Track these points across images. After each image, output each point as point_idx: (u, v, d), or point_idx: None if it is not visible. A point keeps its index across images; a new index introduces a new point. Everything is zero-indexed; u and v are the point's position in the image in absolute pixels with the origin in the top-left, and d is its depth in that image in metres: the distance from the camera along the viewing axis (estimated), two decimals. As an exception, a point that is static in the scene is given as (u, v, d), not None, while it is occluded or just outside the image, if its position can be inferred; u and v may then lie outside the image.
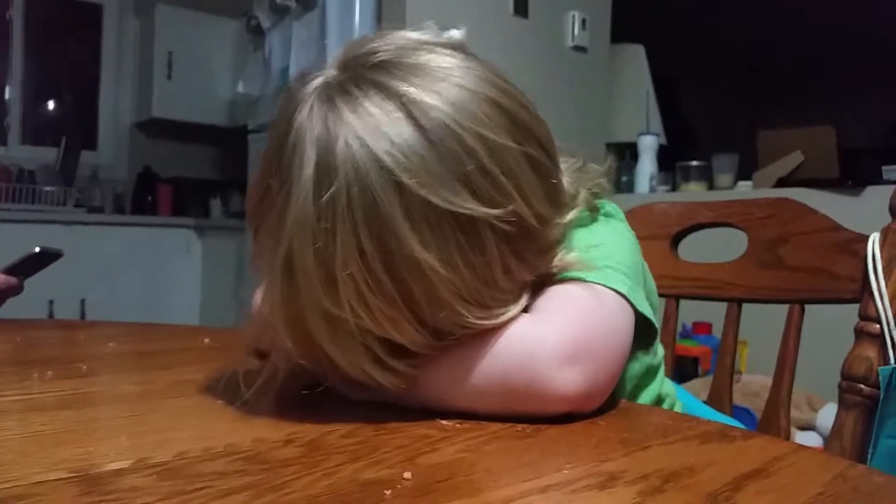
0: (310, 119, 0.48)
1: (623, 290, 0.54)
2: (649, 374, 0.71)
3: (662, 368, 0.75)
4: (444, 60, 0.50)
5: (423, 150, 0.46)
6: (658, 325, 0.58)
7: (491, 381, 0.50)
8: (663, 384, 0.75)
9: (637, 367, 0.68)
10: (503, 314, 0.50)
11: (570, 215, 0.56)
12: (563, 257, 0.55)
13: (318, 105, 0.48)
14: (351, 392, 0.53)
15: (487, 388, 0.50)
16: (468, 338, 0.50)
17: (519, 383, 0.49)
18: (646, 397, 0.71)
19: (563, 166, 0.58)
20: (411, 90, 0.48)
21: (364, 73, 0.49)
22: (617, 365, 0.52)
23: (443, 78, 0.49)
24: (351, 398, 0.53)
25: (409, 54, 0.50)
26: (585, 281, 0.54)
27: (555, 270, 0.54)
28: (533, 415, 0.49)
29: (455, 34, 0.54)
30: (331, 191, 0.45)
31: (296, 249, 0.46)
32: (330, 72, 0.51)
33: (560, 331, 0.50)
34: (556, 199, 0.54)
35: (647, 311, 0.56)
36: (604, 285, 0.54)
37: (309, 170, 0.46)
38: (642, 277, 0.61)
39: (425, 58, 0.50)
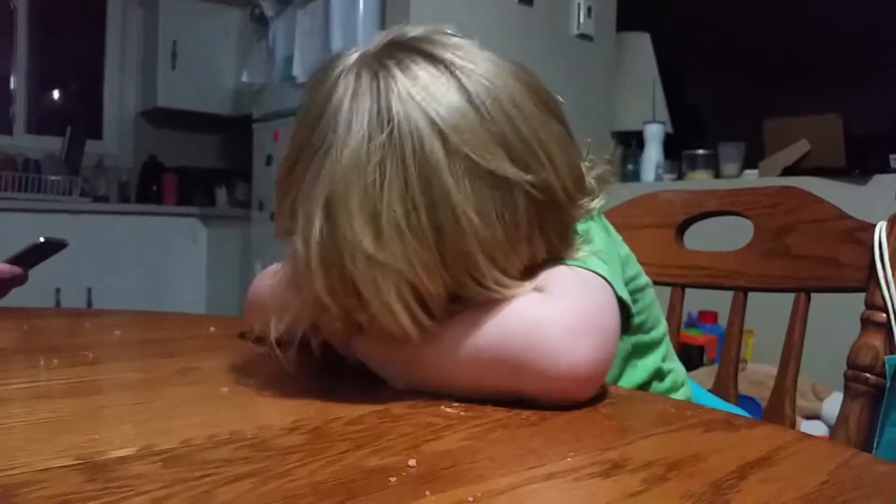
0: (359, 79, 0.51)
1: (604, 274, 0.55)
2: (641, 349, 0.72)
3: (665, 346, 0.75)
4: (469, 42, 0.55)
5: (467, 111, 0.50)
6: (632, 308, 0.59)
7: (496, 352, 0.50)
8: (665, 360, 0.74)
9: (620, 346, 0.68)
10: (514, 289, 0.52)
11: (595, 203, 0.59)
12: (578, 247, 0.57)
13: (366, 68, 0.52)
14: (352, 350, 0.56)
15: (492, 359, 0.50)
16: (476, 308, 0.52)
17: (524, 355, 0.49)
18: (641, 372, 0.71)
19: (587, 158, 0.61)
20: (454, 58, 0.52)
21: (408, 43, 0.53)
22: (616, 341, 0.53)
23: (475, 53, 0.53)
24: (348, 359, 0.56)
25: (439, 35, 0.54)
26: (570, 265, 0.55)
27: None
28: (535, 391, 0.50)
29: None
30: (383, 136, 0.49)
31: (341, 190, 0.49)
32: (369, 47, 0.54)
33: (565, 306, 0.51)
34: (580, 180, 0.57)
35: (624, 295, 0.57)
36: (587, 269, 0.55)
37: (363, 116, 0.50)
38: (618, 265, 0.63)
39: (454, 39, 0.54)
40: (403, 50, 0.52)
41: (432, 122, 0.49)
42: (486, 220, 0.49)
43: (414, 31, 0.55)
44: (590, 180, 0.60)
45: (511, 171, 0.50)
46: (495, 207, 0.50)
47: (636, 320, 0.67)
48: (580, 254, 0.56)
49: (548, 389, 0.49)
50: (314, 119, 0.52)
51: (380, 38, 0.55)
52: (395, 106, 0.49)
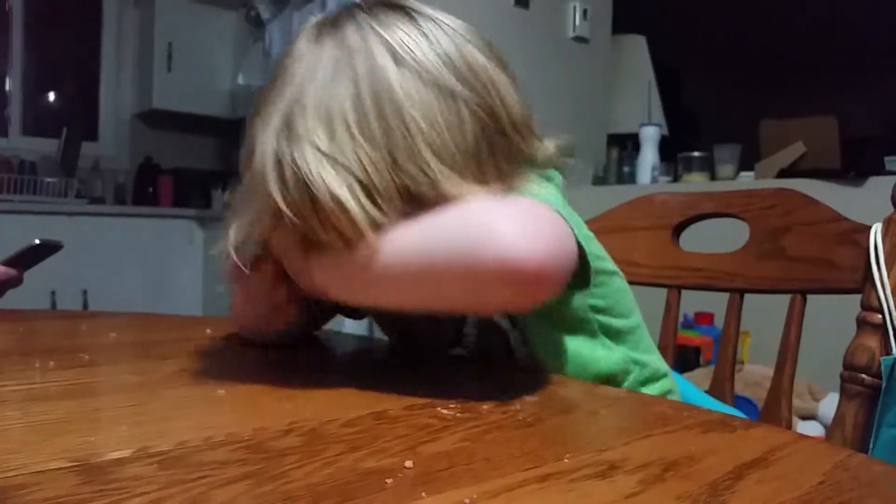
0: (323, 26, 0.59)
1: (562, 213, 0.56)
2: (613, 334, 0.70)
3: (640, 337, 0.74)
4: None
5: (418, 38, 0.56)
6: (592, 262, 0.60)
7: (450, 245, 0.51)
8: (640, 350, 0.73)
9: (579, 301, 0.67)
10: (469, 190, 0.54)
11: (547, 151, 0.63)
12: (529, 180, 0.59)
13: (330, 19, 0.59)
14: (308, 278, 0.58)
15: (446, 255, 0.51)
16: (432, 210, 0.53)
17: (478, 244, 0.50)
18: (617, 354, 0.70)
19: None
20: (414, 6, 0.59)
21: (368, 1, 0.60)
22: (571, 254, 0.53)
23: (438, 11, 0.60)
24: (297, 276, 0.58)
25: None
26: (525, 194, 0.58)
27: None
28: (490, 288, 0.50)
29: None
30: (337, 52, 0.56)
31: (297, 97, 0.54)
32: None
33: (519, 209, 0.53)
34: (527, 121, 0.61)
35: (580, 237, 0.57)
36: (547, 203, 0.56)
37: (323, 45, 0.57)
38: (576, 223, 0.63)
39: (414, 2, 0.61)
40: (368, 3, 0.59)
41: (384, 41, 0.55)
42: (433, 126, 0.54)
43: None
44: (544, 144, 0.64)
45: (456, 85, 0.55)
46: (443, 116, 0.54)
47: (602, 303, 0.68)
48: (536, 189, 0.59)
49: (500, 281, 0.49)
50: (280, 65, 0.58)
51: None
52: (351, 30, 0.57)
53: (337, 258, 0.55)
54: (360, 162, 0.52)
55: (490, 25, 2.67)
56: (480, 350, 0.71)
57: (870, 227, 0.78)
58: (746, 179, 2.63)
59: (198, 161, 4.44)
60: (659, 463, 0.39)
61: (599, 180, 3.11)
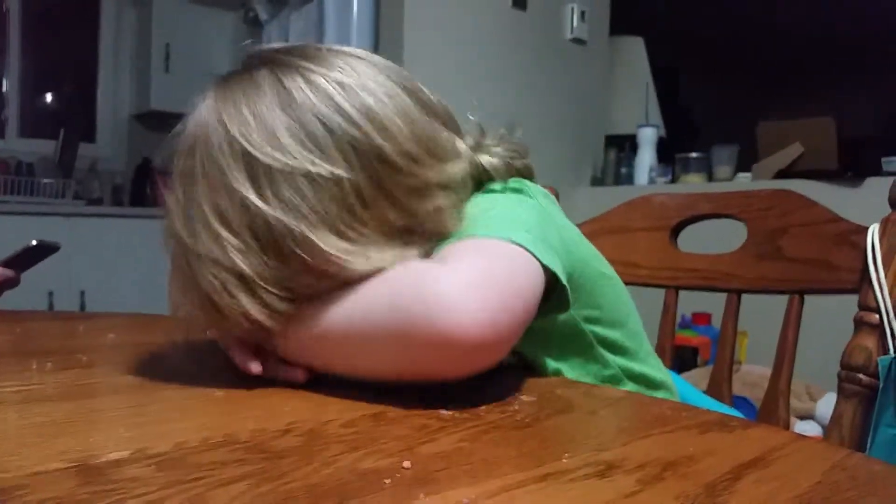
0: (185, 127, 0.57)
1: (521, 241, 0.53)
2: (609, 345, 0.68)
3: (638, 344, 0.71)
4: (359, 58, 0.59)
5: (273, 112, 0.53)
6: (564, 279, 0.56)
7: (380, 311, 0.50)
8: (637, 360, 0.71)
9: (568, 316, 0.64)
10: (374, 252, 0.52)
11: (457, 168, 0.59)
12: (448, 206, 0.57)
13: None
14: (238, 351, 0.57)
15: (375, 320, 0.50)
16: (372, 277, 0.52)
17: (410, 314, 0.48)
18: (606, 373, 0.68)
19: (487, 140, 0.65)
20: (302, 63, 0.56)
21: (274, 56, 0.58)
22: (522, 307, 0.50)
23: (353, 63, 0.58)
24: (235, 359, 0.57)
25: (313, 51, 0.59)
26: (480, 236, 0.54)
27: (446, 226, 0.57)
28: (426, 357, 0.49)
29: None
30: (187, 147, 0.55)
31: (171, 204, 0.55)
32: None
33: (458, 266, 0.50)
34: (434, 149, 0.57)
35: (550, 262, 0.54)
36: (500, 238, 0.53)
37: (187, 138, 0.56)
38: (553, 240, 0.60)
39: (332, 56, 0.58)
40: (226, 81, 0.57)
41: (228, 134, 0.52)
42: (310, 209, 0.51)
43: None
44: (476, 157, 0.62)
45: (322, 164, 0.51)
46: (318, 196, 0.51)
47: (596, 313, 0.66)
48: (482, 226, 0.55)
49: (437, 353, 0.48)
50: None
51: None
52: (202, 112, 0.55)
53: (283, 330, 0.54)
54: (225, 251, 0.51)
55: (487, 27, 2.67)
56: None
57: (867, 228, 0.78)
58: (744, 180, 2.63)
59: (195, 162, 4.43)
60: (657, 463, 0.39)
61: (597, 181, 3.11)
